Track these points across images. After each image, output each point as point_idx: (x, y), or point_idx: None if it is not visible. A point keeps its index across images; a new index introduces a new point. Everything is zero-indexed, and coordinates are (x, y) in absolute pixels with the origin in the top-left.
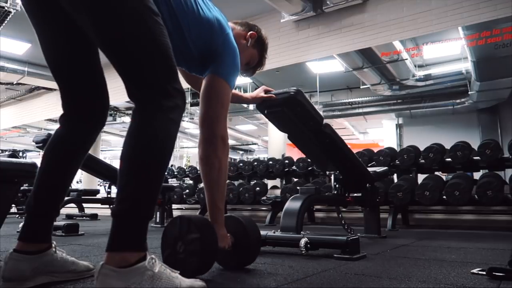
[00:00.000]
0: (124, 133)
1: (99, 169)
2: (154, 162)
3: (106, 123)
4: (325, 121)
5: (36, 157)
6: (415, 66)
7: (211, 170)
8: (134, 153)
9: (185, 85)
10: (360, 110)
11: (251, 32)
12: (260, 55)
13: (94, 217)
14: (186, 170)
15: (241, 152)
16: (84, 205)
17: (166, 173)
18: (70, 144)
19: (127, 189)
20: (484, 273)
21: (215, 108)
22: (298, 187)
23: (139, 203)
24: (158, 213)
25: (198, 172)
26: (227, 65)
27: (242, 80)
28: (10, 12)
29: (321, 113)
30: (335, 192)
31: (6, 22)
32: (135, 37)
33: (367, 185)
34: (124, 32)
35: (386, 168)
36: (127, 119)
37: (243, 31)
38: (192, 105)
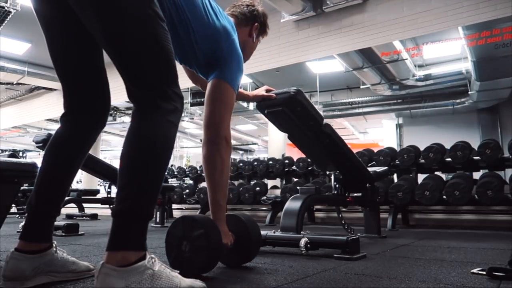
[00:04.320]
0: (124, 133)
1: (99, 169)
2: (153, 162)
3: (106, 123)
4: (325, 121)
5: (36, 157)
6: (415, 66)
7: (214, 170)
8: (134, 154)
9: (185, 85)
10: (360, 110)
11: (255, 24)
12: (262, 29)
13: (94, 217)
14: (186, 170)
15: (241, 152)
16: (84, 205)
17: (166, 173)
18: (71, 143)
19: (127, 189)
20: (484, 273)
21: (219, 111)
22: (298, 187)
23: (139, 203)
24: (158, 213)
25: (198, 172)
26: (232, 70)
27: (242, 80)
28: (10, 12)
29: (321, 113)
30: (335, 192)
31: (6, 22)
32: (139, 39)
33: (367, 185)
34: (129, 33)
35: (386, 168)
36: (127, 119)
37: (245, 26)
38: (192, 105)
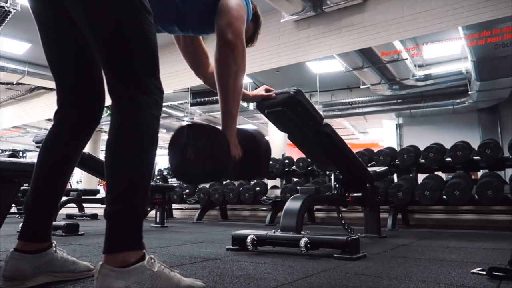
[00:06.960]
0: None
1: (99, 169)
2: (140, 158)
3: (106, 123)
4: (325, 121)
5: (36, 157)
6: (415, 66)
7: (227, 74)
8: (120, 151)
9: (185, 85)
10: (360, 110)
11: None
12: (254, 30)
13: (94, 217)
14: None
15: None
16: (84, 205)
17: (166, 173)
18: (64, 141)
19: (117, 189)
20: (484, 272)
21: (232, 19)
22: (298, 187)
23: (131, 202)
24: (158, 213)
25: None
26: None
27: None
28: (10, 12)
29: (321, 113)
30: (335, 192)
31: (6, 22)
32: (124, 31)
33: (367, 185)
34: (115, 25)
35: (386, 168)
36: None
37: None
38: (192, 105)
